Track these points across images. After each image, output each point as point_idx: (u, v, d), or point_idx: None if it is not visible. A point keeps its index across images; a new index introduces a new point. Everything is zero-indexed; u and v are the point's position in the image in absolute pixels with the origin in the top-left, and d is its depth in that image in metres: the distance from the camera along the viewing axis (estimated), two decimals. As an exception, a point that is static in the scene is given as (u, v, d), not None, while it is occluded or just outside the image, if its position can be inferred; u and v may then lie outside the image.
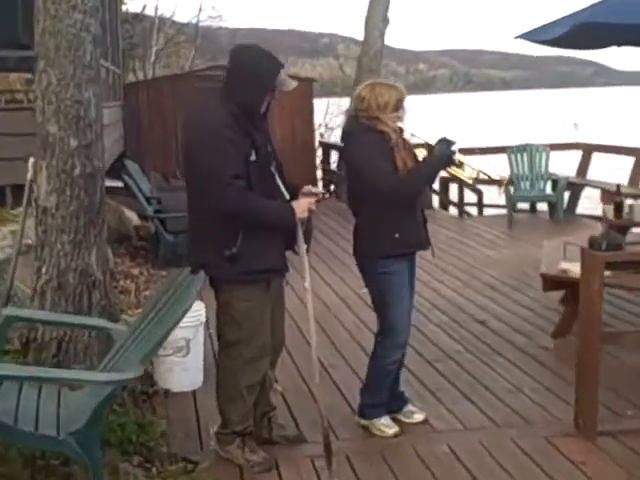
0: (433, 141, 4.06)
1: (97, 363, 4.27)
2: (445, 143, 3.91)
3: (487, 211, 11.29)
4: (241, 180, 3.35)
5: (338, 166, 12.67)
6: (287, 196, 3.56)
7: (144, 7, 19.43)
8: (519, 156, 10.28)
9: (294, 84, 3.58)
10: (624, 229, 5.63)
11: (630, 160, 10.70)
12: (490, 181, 4.12)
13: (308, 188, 3.60)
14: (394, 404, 4.20)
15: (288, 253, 3.65)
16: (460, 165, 4.00)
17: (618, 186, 5.58)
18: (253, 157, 3.42)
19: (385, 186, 3.79)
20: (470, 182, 4.06)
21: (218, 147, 3.35)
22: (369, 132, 3.88)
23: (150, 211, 8.29)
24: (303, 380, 4.80)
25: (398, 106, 3.90)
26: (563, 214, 10.08)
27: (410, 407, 4.26)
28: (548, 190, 10.32)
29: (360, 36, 13.37)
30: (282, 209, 3.48)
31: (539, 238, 8.91)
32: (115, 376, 3.17)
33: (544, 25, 5.99)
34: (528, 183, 10.21)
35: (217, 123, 3.41)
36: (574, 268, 5.43)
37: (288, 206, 3.49)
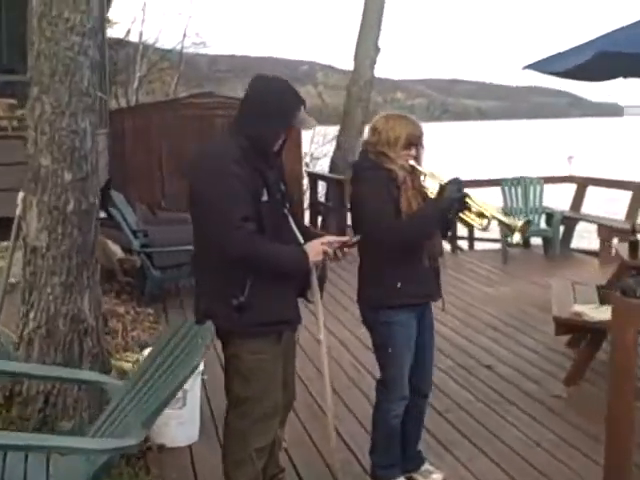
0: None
1: (87, 419, 3.93)
2: (456, 184, 3.56)
3: (477, 245, 11.07)
4: (251, 223, 3.03)
5: (326, 197, 12.40)
6: (301, 240, 3.26)
7: (128, 32, 19.20)
8: (513, 189, 10.09)
9: (314, 123, 3.29)
10: (639, 269, 5.39)
11: (621, 193, 10.58)
12: (504, 226, 3.77)
13: (330, 238, 3.27)
14: (410, 464, 3.91)
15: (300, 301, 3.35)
16: (471, 209, 3.62)
17: (634, 225, 5.33)
18: (265, 197, 3.10)
19: (378, 229, 3.48)
20: (481, 228, 3.70)
21: (224, 185, 3.02)
22: (375, 169, 3.60)
23: (136, 245, 7.94)
24: (307, 434, 4.49)
25: (411, 143, 3.60)
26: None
27: (427, 466, 3.97)
28: (542, 224, 10.11)
29: (339, 64, 13.22)
30: (295, 254, 3.16)
31: (535, 274, 8.78)
32: (114, 443, 2.82)
33: (553, 55, 5.80)
34: (522, 217, 9.98)
35: (224, 157, 3.09)
36: (588, 311, 5.21)
37: (301, 250, 3.17)
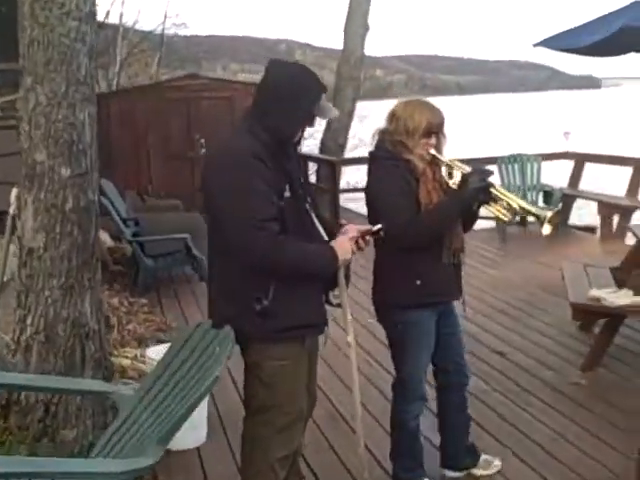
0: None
1: (92, 426, 3.70)
2: (478, 174, 3.32)
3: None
4: (274, 223, 2.77)
5: (317, 179, 12.15)
6: (325, 236, 3.01)
7: (107, 14, 18.70)
8: (510, 167, 9.89)
9: (336, 112, 3.02)
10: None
11: (609, 169, 10.40)
12: (533, 217, 3.51)
13: (352, 228, 3.05)
14: (468, 459, 3.78)
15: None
16: (496, 201, 3.38)
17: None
18: (287, 193, 2.85)
19: (395, 225, 3.23)
20: (508, 220, 3.46)
21: (247, 184, 2.74)
22: (392, 159, 3.36)
23: (128, 234, 7.69)
24: (325, 438, 4.29)
25: (430, 131, 3.34)
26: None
27: (485, 456, 3.83)
28: (540, 202, 9.92)
29: (317, 41, 13.01)
30: (324, 254, 2.90)
31: (537, 254, 8.58)
32: (131, 464, 2.57)
33: (566, 32, 5.58)
34: (520, 195, 9.79)
35: (243, 153, 2.79)
36: (607, 296, 5.02)
37: (329, 249, 2.92)
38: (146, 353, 4.48)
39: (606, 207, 9.10)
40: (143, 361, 4.77)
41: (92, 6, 3.52)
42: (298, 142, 3.01)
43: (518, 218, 3.44)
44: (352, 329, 3.13)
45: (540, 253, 8.59)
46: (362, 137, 17.21)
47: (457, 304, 3.68)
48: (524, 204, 3.45)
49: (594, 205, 9.64)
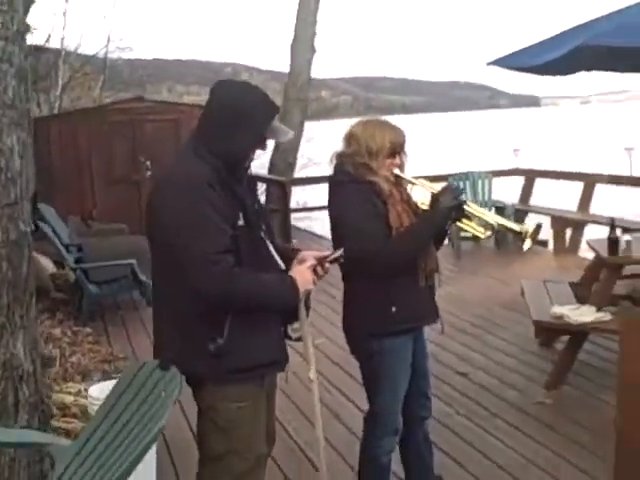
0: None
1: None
2: (450, 193, 3.15)
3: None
4: (229, 255, 2.53)
5: (267, 200, 11.92)
6: (282, 265, 2.77)
7: (48, 37, 18.26)
8: (461, 184, 9.80)
9: (291, 134, 2.80)
10: (619, 267, 5.09)
11: (555, 185, 10.41)
12: (513, 233, 3.36)
13: (309, 255, 2.77)
14: None
15: None
16: (470, 218, 3.23)
17: (612, 220, 5.02)
18: (241, 221, 2.61)
19: (367, 251, 3.04)
20: (485, 237, 3.32)
21: (198, 215, 2.50)
22: (355, 183, 3.15)
23: (70, 261, 7.35)
24: (282, 472, 4.04)
25: (394, 151, 3.18)
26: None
27: None
28: (492, 218, 9.84)
29: (263, 65, 12.90)
30: (283, 286, 2.65)
31: (492, 270, 8.50)
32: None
33: (519, 51, 5.47)
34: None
35: (194, 180, 2.55)
36: (569, 313, 4.90)
37: (289, 280, 2.66)
38: (89, 392, 4.15)
39: (559, 221, 9.07)
40: (86, 396, 4.45)
41: (21, 25, 3.22)
42: (248, 166, 2.78)
43: (531, 246, 3.28)
44: (314, 363, 2.88)
45: (494, 269, 8.52)
46: (311, 156, 17.12)
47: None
48: (502, 220, 3.33)
49: (545, 219, 9.63)
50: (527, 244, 3.19)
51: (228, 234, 2.54)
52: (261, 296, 2.61)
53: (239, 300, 2.55)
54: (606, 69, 5.94)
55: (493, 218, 3.28)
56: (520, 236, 3.20)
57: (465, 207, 3.17)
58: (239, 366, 2.61)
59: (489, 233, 3.22)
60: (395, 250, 3.13)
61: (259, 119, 2.65)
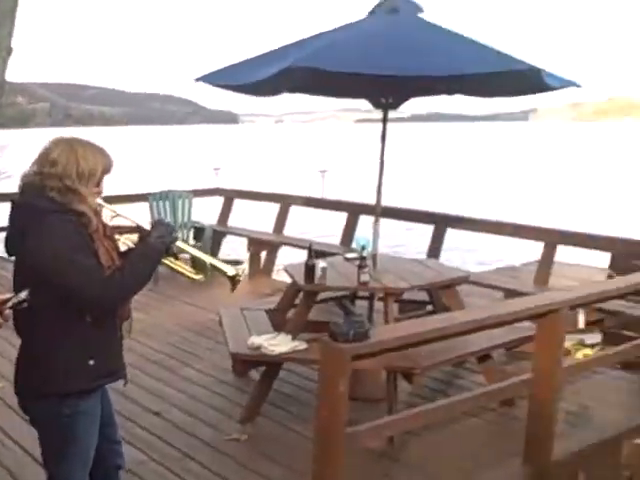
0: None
1: None
2: (165, 227, 2.89)
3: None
4: None
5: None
6: None
7: None
8: (161, 204, 9.47)
9: None
10: (315, 294, 5.07)
11: (253, 204, 10.56)
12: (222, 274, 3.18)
13: None
14: None
15: None
16: (177, 257, 3.08)
17: (310, 245, 4.95)
18: None
19: (94, 294, 2.67)
20: (197, 278, 3.18)
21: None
22: (61, 212, 2.70)
23: None
24: None
25: (101, 178, 2.83)
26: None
27: None
28: (191, 239, 9.64)
29: None
30: None
31: (187, 294, 8.22)
32: None
33: (226, 68, 5.25)
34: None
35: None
36: (266, 343, 4.79)
37: None
38: None
39: (255, 243, 9.09)
40: None
41: None
42: None
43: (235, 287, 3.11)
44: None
45: (190, 293, 8.27)
46: (3, 169, 15.69)
47: None
48: (215, 261, 3.16)
49: (242, 241, 9.66)
50: (231, 284, 3.06)
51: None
52: None
53: None
54: (309, 92, 5.98)
55: (206, 259, 3.12)
56: (232, 279, 3.05)
57: (176, 245, 2.94)
58: None
59: (201, 277, 3.08)
60: (122, 289, 2.76)
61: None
